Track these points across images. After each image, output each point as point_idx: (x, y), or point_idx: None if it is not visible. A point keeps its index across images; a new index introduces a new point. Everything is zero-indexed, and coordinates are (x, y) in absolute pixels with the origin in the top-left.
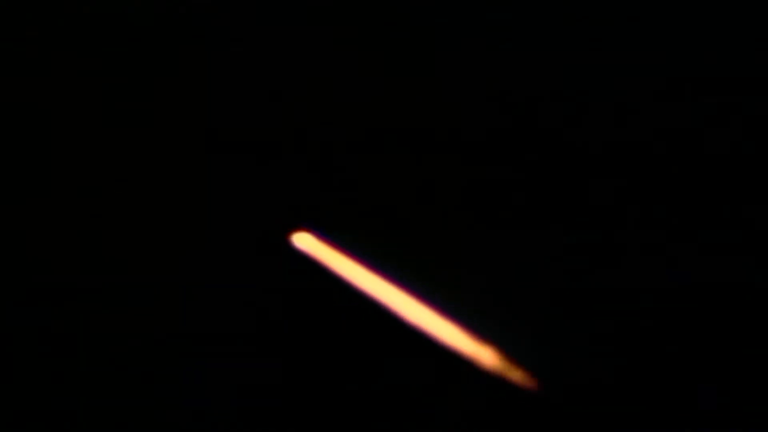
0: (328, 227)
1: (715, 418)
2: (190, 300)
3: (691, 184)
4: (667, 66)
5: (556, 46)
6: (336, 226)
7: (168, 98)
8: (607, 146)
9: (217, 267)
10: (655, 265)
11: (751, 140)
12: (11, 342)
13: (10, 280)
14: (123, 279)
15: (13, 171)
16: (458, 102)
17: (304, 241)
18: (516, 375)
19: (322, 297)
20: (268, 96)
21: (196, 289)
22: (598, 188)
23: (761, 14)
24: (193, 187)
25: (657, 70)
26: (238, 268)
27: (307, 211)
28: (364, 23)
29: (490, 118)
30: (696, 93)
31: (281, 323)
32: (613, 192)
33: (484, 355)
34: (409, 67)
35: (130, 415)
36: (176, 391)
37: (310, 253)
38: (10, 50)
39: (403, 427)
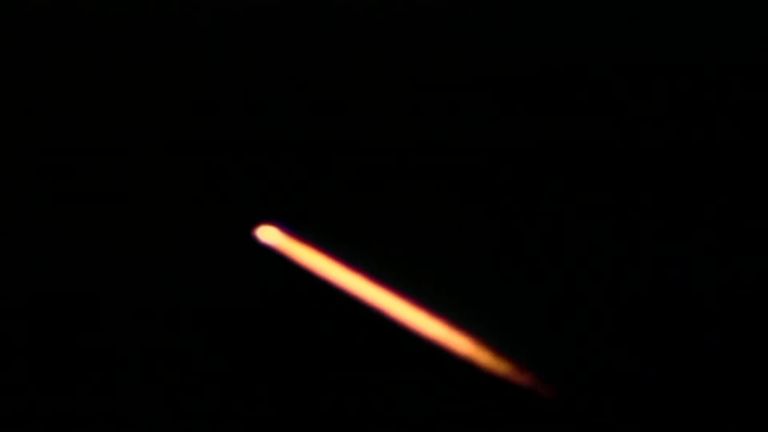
0: (294, 220)
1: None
2: (158, 297)
3: (693, 181)
4: (666, 65)
5: (554, 44)
6: (302, 219)
7: (135, 97)
8: (607, 143)
9: (184, 261)
10: (656, 263)
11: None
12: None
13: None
14: (95, 280)
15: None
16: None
17: (269, 234)
18: (498, 366)
19: (289, 290)
20: (236, 93)
21: (163, 283)
22: (597, 183)
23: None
24: (159, 183)
25: (657, 69)
26: (204, 263)
27: (273, 204)
28: (343, 21)
29: (459, 105)
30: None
31: (251, 318)
32: (614, 189)
33: (458, 343)
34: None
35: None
36: (146, 391)
37: (276, 246)
38: (10, 50)
39: (387, 428)
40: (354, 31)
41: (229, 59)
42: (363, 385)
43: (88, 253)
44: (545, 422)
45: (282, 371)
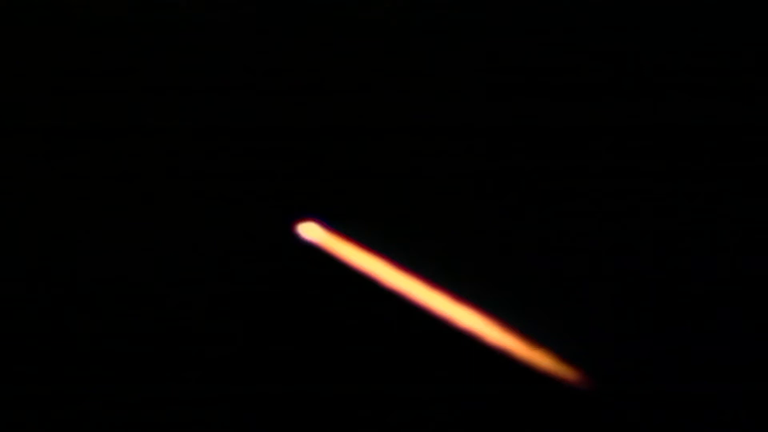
0: (334, 216)
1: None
2: (197, 294)
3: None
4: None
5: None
6: (342, 215)
7: (173, 92)
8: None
9: (226, 258)
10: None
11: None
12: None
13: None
14: (128, 273)
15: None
16: (458, 91)
17: (310, 231)
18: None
19: (330, 286)
20: (272, 89)
21: (204, 283)
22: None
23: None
24: (199, 180)
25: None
26: (247, 259)
27: (313, 200)
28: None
29: (491, 105)
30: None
31: (290, 314)
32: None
33: (498, 337)
34: (409, 58)
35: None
36: (180, 386)
37: (317, 242)
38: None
39: (425, 422)
40: (389, 24)
41: (266, 53)
42: (402, 377)
43: (126, 247)
44: (580, 412)
45: (323, 365)
